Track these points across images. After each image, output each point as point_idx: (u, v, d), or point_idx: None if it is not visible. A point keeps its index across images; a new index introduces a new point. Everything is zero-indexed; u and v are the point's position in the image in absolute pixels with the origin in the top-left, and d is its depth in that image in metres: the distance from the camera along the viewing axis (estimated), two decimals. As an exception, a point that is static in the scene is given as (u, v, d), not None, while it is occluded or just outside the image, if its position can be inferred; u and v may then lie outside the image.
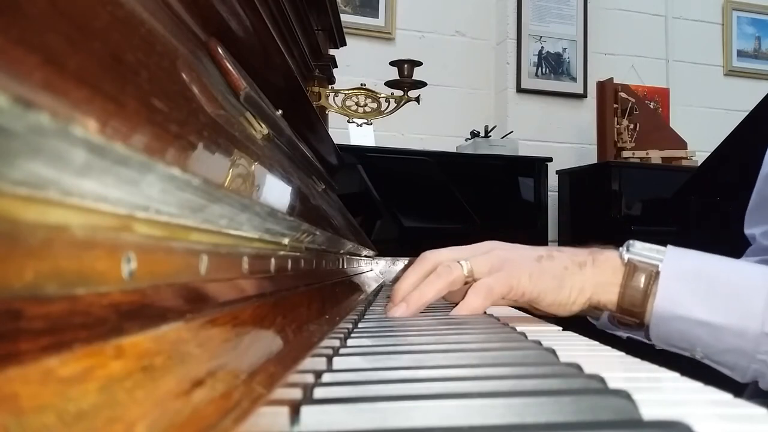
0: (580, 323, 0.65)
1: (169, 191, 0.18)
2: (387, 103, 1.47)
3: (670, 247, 0.58)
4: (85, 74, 0.15)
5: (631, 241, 0.59)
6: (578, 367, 0.33)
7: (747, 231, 0.85)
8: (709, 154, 2.15)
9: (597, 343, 0.51)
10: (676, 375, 0.36)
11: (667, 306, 0.56)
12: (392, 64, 1.50)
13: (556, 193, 2.74)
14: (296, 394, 0.26)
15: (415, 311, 0.61)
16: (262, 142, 0.41)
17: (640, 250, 0.58)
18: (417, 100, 1.48)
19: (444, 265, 0.61)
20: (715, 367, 0.57)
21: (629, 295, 0.57)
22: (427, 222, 2.16)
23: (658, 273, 0.56)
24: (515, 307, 0.70)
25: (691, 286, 0.56)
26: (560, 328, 0.60)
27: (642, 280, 0.56)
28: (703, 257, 0.58)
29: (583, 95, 2.91)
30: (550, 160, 2.41)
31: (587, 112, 2.86)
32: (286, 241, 0.40)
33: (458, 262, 0.61)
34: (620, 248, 0.59)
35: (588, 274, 0.59)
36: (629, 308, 0.57)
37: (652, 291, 0.56)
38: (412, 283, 0.62)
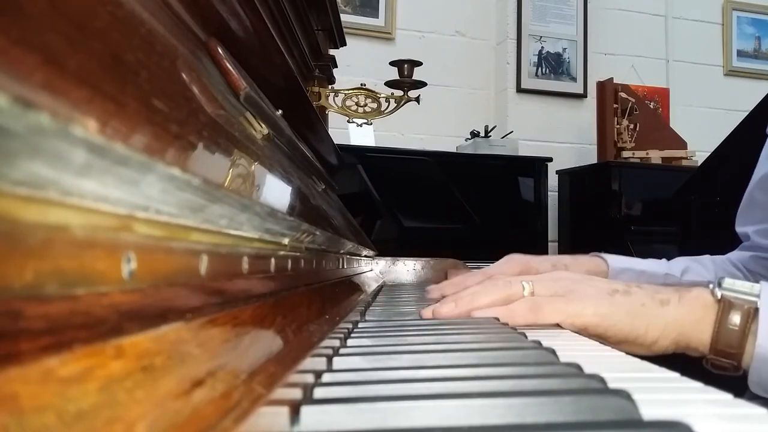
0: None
1: (169, 191, 0.18)
2: (387, 103, 1.47)
3: (764, 283, 0.53)
4: (85, 74, 0.15)
5: (720, 278, 0.54)
6: (578, 367, 0.33)
7: (738, 229, 0.86)
8: (709, 154, 2.15)
9: (597, 343, 0.51)
10: (676, 375, 0.36)
11: None
12: (392, 64, 1.50)
13: (556, 193, 2.74)
14: (296, 394, 0.26)
15: (461, 313, 0.58)
16: (262, 142, 0.41)
17: (732, 285, 0.53)
18: (417, 100, 1.48)
19: (506, 279, 0.59)
20: None
21: (725, 334, 0.52)
22: (427, 222, 2.16)
23: (756, 310, 0.51)
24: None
25: None
26: (561, 329, 0.59)
27: (738, 318, 0.51)
28: None
29: (583, 95, 2.91)
30: (550, 160, 2.41)
31: (587, 112, 2.86)
32: (286, 241, 0.40)
33: (521, 282, 0.58)
34: (710, 285, 0.54)
35: (672, 312, 0.54)
36: (725, 349, 0.52)
37: (750, 330, 0.51)
38: (468, 285, 0.61)
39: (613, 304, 0.54)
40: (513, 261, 0.79)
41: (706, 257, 0.88)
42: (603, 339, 0.55)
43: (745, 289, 0.52)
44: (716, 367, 0.54)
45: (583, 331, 0.55)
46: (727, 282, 0.53)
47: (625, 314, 0.54)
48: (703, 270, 0.85)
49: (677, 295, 0.55)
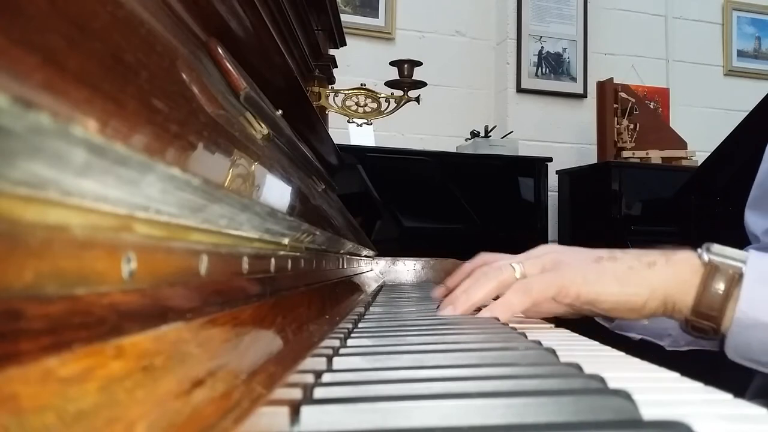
0: (580, 323, 0.64)
1: (169, 191, 0.18)
2: (387, 103, 1.47)
3: (752, 251, 0.54)
4: (85, 74, 0.15)
5: (709, 243, 0.54)
6: (578, 367, 0.33)
7: (746, 212, 0.84)
8: (709, 154, 2.15)
9: (597, 343, 0.51)
10: (676, 375, 0.36)
11: (749, 312, 0.51)
12: (392, 64, 1.50)
13: (556, 193, 2.74)
14: (296, 394, 0.26)
15: (462, 312, 0.58)
16: (262, 142, 0.41)
17: (721, 251, 0.54)
18: (417, 100, 1.48)
19: (495, 266, 0.59)
20: None
21: (708, 297, 0.52)
22: (427, 222, 2.16)
23: (741, 276, 0.52)
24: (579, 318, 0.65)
25: None
26: (561, 329, 0.60)
27: (723, 282, 0.52)
28: None
29: (583, 95, 2.91)
30: (550, 160, 2.41)
31: (587, 112, 2.86)
32: (286, 241, 0.40)
33: (510, 264, 0.58)
34: (698, 249, 0.55)
35: (660, 275, 0.54)
36: (706, 312, 0.53)
37: (733, 295, 0.52)
38: (461, 284, 0.61)
39: (600, 270, 0.55)
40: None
41: None
42: (594, 306, 0.56)
43: (733, 255, 0.53)
44: (696, 329, 0.54)
45: (575, 301, 0.55)
46: (716, 247, 0.54)
47: (613, 279, 0.54)
48: None
49: (664, 257, 0.55)
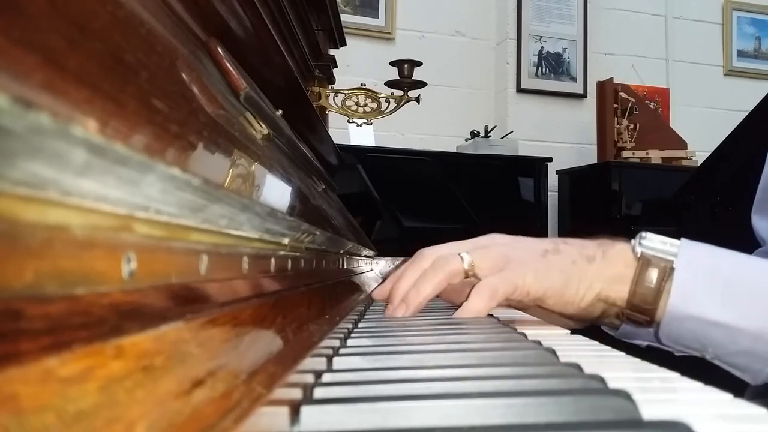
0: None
1: (169, 191, 0.18)
2: (387, 103, 1.47)
3: (684, 241, 0.55)
4: (85, 74, 0.15)
5: (643, 233, 0.55)
6: (578, 367, 0.33)
7: (753, 216, 0.83)
8: (709, 154, 2.15)
9: (597, 343, 0.51)
10: (676, 375, 0.36)
11: (680, 305, 0.52)
12: (392, 64, 1.50)
13: (556, 193, 2.74)
14: (296, 394, 0.26)
15: (415, 310, 0.57)
16: (262, 142, 0.41)
17: (653, 243, 0.54)
18: (417, 100, 1.48)
19: (442, 258, 0.58)
20: (725, 368, 0.55)
21: (641, 291, 0.53)
22: (427, 222, 2.16)
23: (672, 269, 0.53)
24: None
25: (707, 284, 0.53)
26: (562, 329, 0.59)
27: (655, 276, 0.53)
28: (718, 254, 0.55)
29: (583, 95, 2.91)
30: (550, 160, 2.41)
31: (587, 112, 2.86)
32: (286, 241, 0.40)
33: (458, 254, 0.57)
34: (632, 241, 0.55)
35: (597, 269, 0.55)
36: (640, 305, 0.54)
37: (665, 288, 0.53)
38: (410, 280, 0.58)
39: (547, 265, 0.55)
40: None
41: None
42: (540, 302, 0.56)
43: (665, 247, 0.54)
44: (631, 321, 0.55)
45: (526, 297, 0.55)
46: (649, 238, 0.55)
47: (558, 274, 0.55)
48: None
49: (601, 250, 0.56)
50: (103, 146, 0.14)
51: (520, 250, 0.58)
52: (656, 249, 0.54)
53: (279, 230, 0.36)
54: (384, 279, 0.75)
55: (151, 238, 0.19)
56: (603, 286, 0.55)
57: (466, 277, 0.57)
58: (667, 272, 0.53)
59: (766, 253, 0.82)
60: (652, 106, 3.00)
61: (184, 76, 0.26)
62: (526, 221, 2.33)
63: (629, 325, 0.57)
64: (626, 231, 2.42)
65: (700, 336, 0.53)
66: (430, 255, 0.60)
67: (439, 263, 0.57)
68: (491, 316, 0.65)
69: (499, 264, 0.57)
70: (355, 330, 0.51)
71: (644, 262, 0.54)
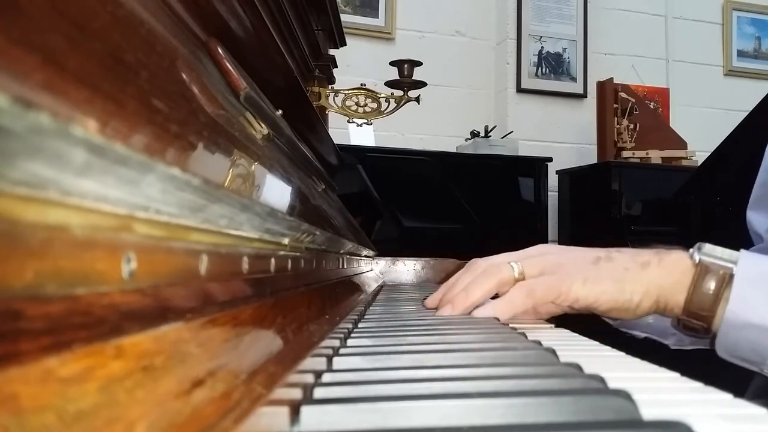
0: (580, 324, 0.64)
1: (169, 191, 0.18)
2: (387, 103, 1.47)
3: (743, 252, 0.54)
4: (85, 74, 0.15)
5: (700, 243, 0.55)
6: (578, 367, 0.33)
7: (749, 213, 0.84)
8: (709, 154, 2.15)
9: (597, 343, 0.51)
10: (676, 375, 0.36)
11: (739, 312, 0.51)
12: (392, 64, 1.50)
13: (556, 193, 2.74)
14: (296, 394, 0.26)
15: (461, 312, 0.59)
16: (262, 142, 0.41)
17: (712, 251, 0.54)
18: (417, 100, 1.48)
19: (494, 266, 0.59)
20: None
21: (698, 297, 0.53)
22: (427, 222, 2.16)
23: (731, 276, 0.52)
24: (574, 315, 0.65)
25: (767, 292, 0.51)
26: (561, 329, 0.59)
27: (713, 282, 0.52)
28: None
29: (583, 95, 2.91)
30: (550, 160, 2.41)
31: (587, 112, 2.86)
32: (286, 241, 0.40)
33: (509, 263, 0.58)
34: (690, 249, 0.55)
35: (653, 275, 0.55)
36: (697, 311, 0.53)
37: (723, 295, 0.52)
38: (461, 285, 0.61)
39: (598, 272, 0.56)
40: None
41: None
42: (592, 309, 0.57)
43: (724, 255, 0.54)
44: (688, 328, 0.55)
45: (575, 304, 0.56)
46: (707, 247, 0.54)
47: (611, 281, 0.55)
48: None
49: (657, 257, 0.56)
50: (103, 146, 0.14)
51: (570, 259, 0.58)
52: (715, 257, 0.54)
53: (279, 230, 0.36)
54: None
55: (151, 238, 0.19)
56: (660, 292, 0.55)
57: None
58: (726, 279, 0.52)
59: (764, 250, 0.82)
60: (652, 106, 3.00)
61: (184, 76, 0.26)
62: (526, 221, 2.33)
63: (686, 334, 0.57)
64: (626, 231, 2.43)
65: (758, 346, 0.52)
66: (482, 264, 0.61)
67: (489, 270, 0.59)
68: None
69: (548, 270, 0.57)
70: (355, 330, 0.51)
71: (702, 268, 0.53)
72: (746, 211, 0.84)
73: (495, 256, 0.62)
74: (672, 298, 0.54)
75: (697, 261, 0.54)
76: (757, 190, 0.82)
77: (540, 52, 2.87)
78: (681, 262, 0.55)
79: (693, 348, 0.66)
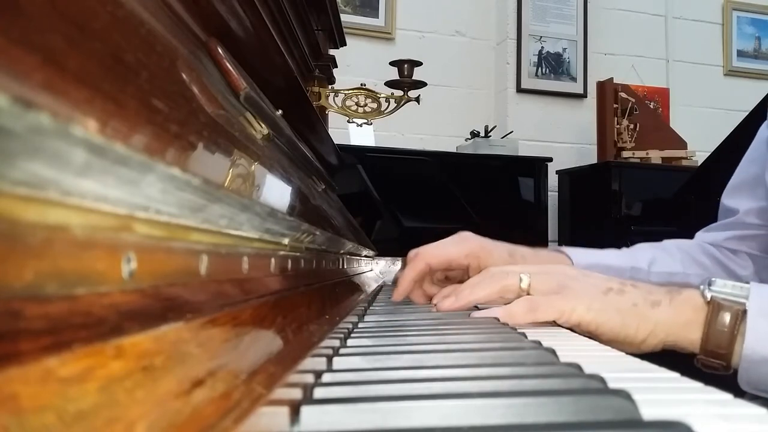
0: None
1: (169, 191, 0.18)
2: (387, 103, 1.47)
3: (753, 284, 0.54)
4: (85, 74, 0.15)
5: (712, 279, 0.55)
6: (578, 367, 0.33)
7: (725, 200, 0.86)
8: (709, 154, 2.15)
9: (597, 343, 0.51)
10: (676, 375, 0.36)
11: (757, 348, 0.51)
12: (392, 64, 1.50)
13: (556, 193, 2.74)
14: (296, 394, 0.26)
15: (461, 306, 0.61)
16: (262, 142, 0.41)
17: (723, 287, 0.54)
18: (417, 100, 1.48)
19: (503, 272, 0.60)
20: None
21: (714, 336, 0.52)
22: (427, 222, 2.16)
23: (744, 312, 0.52)
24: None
25: None
26: (562, 329, 0.59)
27: (727, 319, 0.52)
28: None
29: (583, 95, 2.91)
30: (550, 160, 2.41)
31: (587, 112, 2.86)
32: (286, 241, 0.40)
33: (519, 273, 0.59)
34: (701, 286, 0.55)
35: (663, 315, 0.55)
36: (714, 350, 0.53)
37: (739, 331, 0.52)
38: (469, 283, 0.62)
39: (606, 302, 0.56)
40: (465, 241, 0.79)
41: (671, 243, 0.88)
42: (594, 336, 0.57)
43: (735, 291, 0.53)
44: (707, 366, 0.55)
45: (576, 327, 0.56)
46: (718, 283, 0.54)
47: (616, 313, 0.55)
48: (670, 259, 0.85)
49: (669, 297, 0.55)
50: (103, 146, 0.14)
51: (582, 284, 0.58)
52: (726, 293, 0.53)
53: (279, 230, 0.36)
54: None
55: (151, 238, 0.19)
56: (669, 333, 0.55)
57: (520, 296, 0.59)
58: (740, 315, 0.52)
59: (730, 225, 0.84)
60: (652, 106, 3.00)
61: (184, 76, 0.26)
62: (526, 221, 2.33)
63: (705, 371, 0.56)
64: (626, 231, 2.42)
65: None
66: (494, 270, 0.63)
67: (498, 275, 0.60)
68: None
69: (555, 289, 0.58)
70: (355, 330, 0.51)
71: (715, 306, 0.53)
72: (720, 199, 0.87)
73: (512, 266, 0.63)
74: (684, 336, 0.54)
75: (709, 299, 0.53)
76: (736, 179, 0.84)
77: (540, 52, 2.87)
78: (692, 301, 0.55)
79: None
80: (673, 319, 0.55)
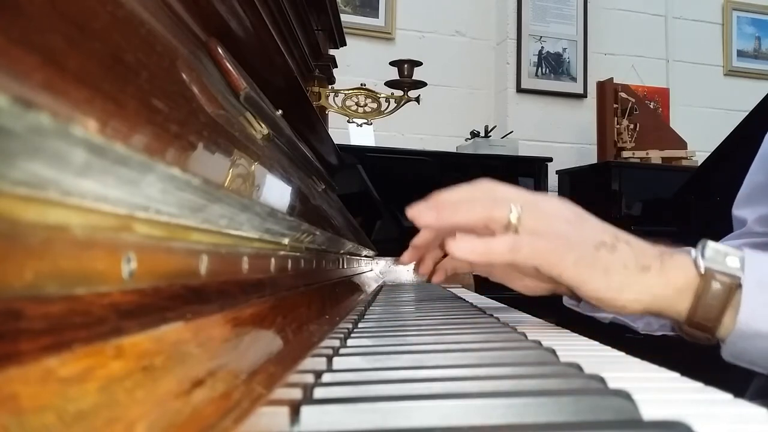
0: (580, 323, 0.64)
1: (169, 191, 0.18)
2: (387, 103, 1.47)
3: (747, 253, 0.51)
4: (85, 74, 0.15)
5: (704, 242, 0.52)
6: (578, 367, 0.33)
7: (735, 212, 0.85)
8: (709, 154, 2.15)
9: (597, 343, 0.51)
10: (676, 375, 0.36)
11: (750, 322, 0.49)
12: (392, 64, 1.50)
13: (556, 193, 2.75)
14: (296, 394, 0.26)
15: (440, 222, 0.54)
16: (262, 142, 0.41)
17: (715, 256, 0.51)
18: (417, 100, 1.48)
19: (494, 198, 0.53)
20: None
21: (704, 308, 0.50)
22: (427, 222, 2.15)
23: (739, 285, 0.50)
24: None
25: None
26: (561, 329, 0.59)
27: (719, 292, 0.50)
28: None
29: (583, 95, 2.91)
30: (550, 160, 2.41)
31: (587, 112, 2.86)
32: (286, 241, 0.40)
33: (510, 204, 0.52)
34: (693, 252, 0.52)
35: (651, 282, 0.52)
36: (701, 322, 0.51)
37: (731, 304, 0.50)
38: (454, 195, 0.55)
39: (595, 260, 0.52)
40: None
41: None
42: (574, 289, 0.53)
43: (729, 262, 0.51)
44: (689, 336, 0.53)
45: (558, 278, 0.52)
46: (711, 250, 0.51)
47: (602, 273, 0.51)
48: None
49: (659, 261, 0.52)
50: (103, 146, 0.14)
51: (576, 230, 0.53)
52: (719, 261, 0.51)
53: (279, 230, 0.36)
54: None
55: (151, 238, 0.19)
56: (655, 301, 0.52)
57: (506, 230, 0.52)
58: (734, 288, 0.50)
59: (738, 235, 0.83)
60: (652, 106, 3.00)
61: (184, 76, 0.26)
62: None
63: (687, 339, 0.54)
64: (626, 231, 2.42)
65: None
66: (485, 188, 0.55)
67: (486, 201, 0.53)
68: (491, 316, 0.65)
69: (546, 232, 0.52)
70: (355, 330, 0.51)
71: (708, 278, 0.50)
72: (731, 211, 0.85)
73: (504, 188, 0.56)
74: (670, 307, 0.52)
75: (703, 270, 0.51)
76: (745, 189, 0.83)
77: (540, 52, 2.87)
78: (685, 270, 0.52)
79: (661, 333, 0.65)
80: (662, 288, 0.52)
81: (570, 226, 0.54)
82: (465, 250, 0.51)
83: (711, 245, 0.52)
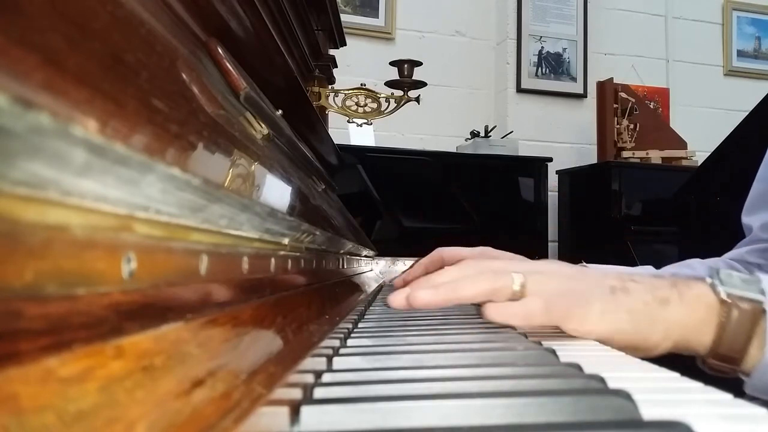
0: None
1: (169, 191, 0.18)
2: (387, 103, 1.47)
3: (763, 277, 0.49)
4: (85, 74, 0.15)
5: (719, 271, 0.50)
6: (578, 367, 0.33)
7: (744, 219, 0.86)
8: (709, 154, 2.15)
9: (597, 343, 0.51)
10: (676, 375, 0.36)
11: None
12: (392, 64, 1.50)
13: (556, 193, 2.74)
14: (296, 394, 0.26)
15: (441, 301, 0.49)
16: (262, 142, 0.41)
17: (733, 282, 0.49)
18: (417, 100, 1.48)
19: (494, 268, 0.51)
20: None
21: (729, 339, 0.48)
22: (427, 222, 2.16)
23: (763, 311, 0.47)
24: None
25: None
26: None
27: (745, 322, 0.47)
28: None
29: (583, 95, 2.91)
30: (550, 160, 2.41)
31: (587, 112, 2.86)
32: (286, 241, 0.40)
33: (510, 273, 0.50)
34: (709, 279, 0.50)
35: (675, 314, 0.49)
36: (727, 354, 0.48)
37: (756, 332, 0.47)
38: (446, 275, 0.51)
39: (617, 305, 0.49)
40: (484, 250, 0.72)
41: (695, 261, 0.82)
42: (605, 344, 0.50)
43: (748, 286, 0.49)
44: (714, 370, 0.50)
45: (587, 335, 0.50)
46: (726, 277, 0.49)
47: (627, 315, 0.49)
48: (692, 273, 0.82)
49: (677, 292, 0.50)
50: (103, 146, 0.14)
51: (582, 283, 0.51)
52: (739, 287, 0.49)
53: (279, 230, 0.36)
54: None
55: (151, 238, 0.19)
56: (682, 333, 0.49)
57: (513, 299, 0.49)
58: (758, 314, 0.47)
59: (747, 241, 0.83)
60: (652, 106, 3.00)
61: (184, 76, 0.26)
62: (526, 221, 2.32)
63: (709, 373, 0.51)
64: (626, 231, 2.43)
65: None
66: (476, 265, 0.53)
67: (489, 274, 0.50)
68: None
69: (556, 290, 0.50)
70: (355, 330, 0.51)
71: (729, 305, 0.48)
72: (741, 217, 0.85)
73: (498, 261, 0.54)
74: (695, 338, 0.49)
75: (723, 297, 0.48)
76: (751, 197, 0.83)
77: (540, 52, 2.87)
78: (704, 298, 0.49)
79: None
80: (686, 319, 0.49)
81: (575, 281, 0.52)
82: (504, 319, 0.48)
83: (726, 272, 0.50)
